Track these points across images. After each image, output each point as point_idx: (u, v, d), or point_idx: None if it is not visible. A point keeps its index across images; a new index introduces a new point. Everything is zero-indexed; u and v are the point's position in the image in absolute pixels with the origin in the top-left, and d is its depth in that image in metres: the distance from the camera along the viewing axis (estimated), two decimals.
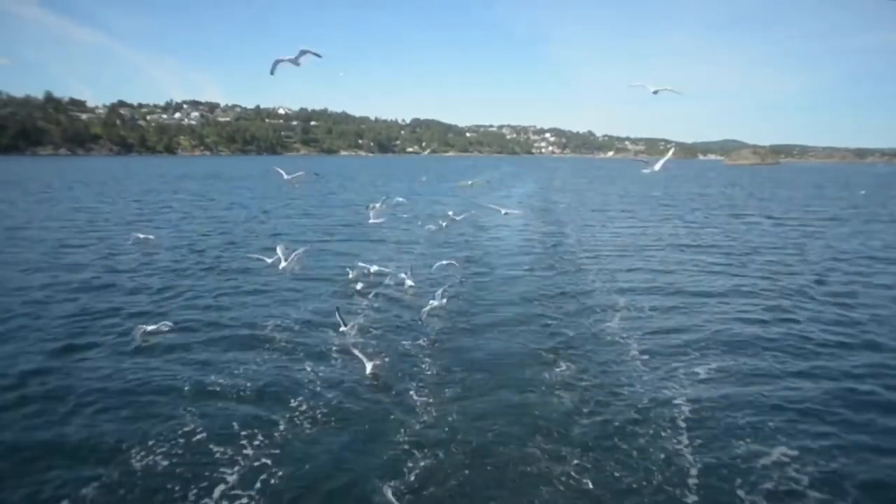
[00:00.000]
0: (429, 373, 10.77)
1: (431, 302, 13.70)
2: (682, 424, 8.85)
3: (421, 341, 12.37)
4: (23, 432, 8.45)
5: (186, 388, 9.90)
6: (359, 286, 16.50)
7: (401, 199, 29.27)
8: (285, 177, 17.91)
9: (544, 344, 12.39)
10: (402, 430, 8.55)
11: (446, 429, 8.68)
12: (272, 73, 11.18)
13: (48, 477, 7.36)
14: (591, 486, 7.33)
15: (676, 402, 9.61)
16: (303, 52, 11.16)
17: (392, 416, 9.02)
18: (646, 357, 11.60)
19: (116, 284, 16.95)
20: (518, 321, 13.99)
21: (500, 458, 7.94)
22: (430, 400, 9.63)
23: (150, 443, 8.12)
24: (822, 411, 9.43)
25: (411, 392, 9.89)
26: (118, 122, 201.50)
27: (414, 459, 7.84)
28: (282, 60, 11.12)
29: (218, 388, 9.90)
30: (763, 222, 36.03)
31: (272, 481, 7.28)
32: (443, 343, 12.39)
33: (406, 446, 8.13)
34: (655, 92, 11.52)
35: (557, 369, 10.96)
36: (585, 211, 41.06)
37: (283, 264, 14.11)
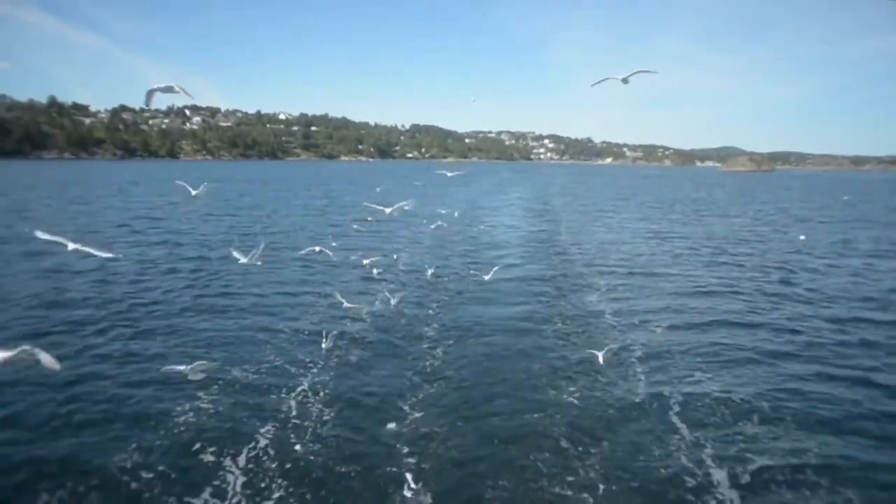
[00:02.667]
0: (432, 335, 13.21)
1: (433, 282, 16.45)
2: (639, 366, 11.58)
3: (427, 312, 14.89)
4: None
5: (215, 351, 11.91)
6: (374, 272, 18.54)
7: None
8: None
9: (537, 312, 15.23)
10: (405, 393, 10.10)
11: (447, 383, 10.68)
12: (147, 104, 10.95)
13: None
14: (574, 405, 9.74)
15: (634, 347, 12.62)
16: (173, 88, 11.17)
17: (394, 379, 10.68)
18: (617, 319, 14.57)
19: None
20: (513, 295, 17.09)
21: (503, 411, 9.63)
22: (435, 357, 11.91)
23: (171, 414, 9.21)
24: (748, 355, 12.26)
25: (416, 357, 11.84)
26: (121, 126, 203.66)
27: (418, 407, 9.61)
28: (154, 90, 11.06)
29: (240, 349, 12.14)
30: (737, 220, 39.20)
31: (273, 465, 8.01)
32: (446, 314, 14.93)
33: (408, 406, 9.64)
34: (625, 81, 10.83)
35: (546, 329, 13.78)
36: (577, 212, 43.50)
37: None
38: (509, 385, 10.50)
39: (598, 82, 11.25)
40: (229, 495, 7.27)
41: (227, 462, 7.93)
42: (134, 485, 7.43)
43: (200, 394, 9.74)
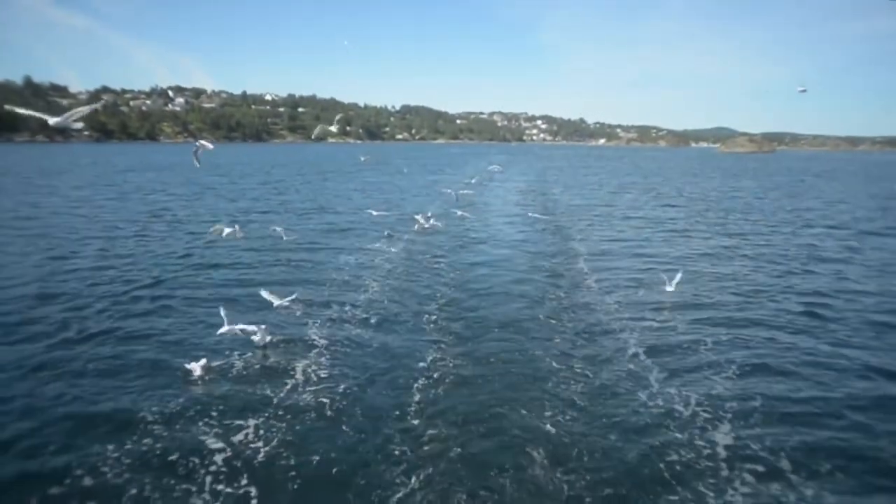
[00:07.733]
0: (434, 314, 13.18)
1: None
2: (632, 337, 11.80)
3: (429, 284, 15.68)
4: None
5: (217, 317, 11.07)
6: (386, 233, 22.33)
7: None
8: None
9: (532, 286, 15.74)
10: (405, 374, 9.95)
11: (448, 358, 10.59)
12: None
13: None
14: (572, 387, 9.58)
15: (626, 320, 12.89)
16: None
17: (396, 360, 10.50)
18: (608, 292, 15.19)
19: None
20: (514, 261, 18.80)
21: (503, 392, 9.38)
22: (436, 328, 12.22)
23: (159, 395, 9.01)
24: (730, 319, 13.07)
25: (418, 328, 12.21)
26: (99, 107, 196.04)
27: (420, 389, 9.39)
28: None
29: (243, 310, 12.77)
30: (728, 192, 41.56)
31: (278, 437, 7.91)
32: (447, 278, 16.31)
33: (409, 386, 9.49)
34: None
35: (543, 305, 14.08)
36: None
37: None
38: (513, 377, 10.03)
39: None
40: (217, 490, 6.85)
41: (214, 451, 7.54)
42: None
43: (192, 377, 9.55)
